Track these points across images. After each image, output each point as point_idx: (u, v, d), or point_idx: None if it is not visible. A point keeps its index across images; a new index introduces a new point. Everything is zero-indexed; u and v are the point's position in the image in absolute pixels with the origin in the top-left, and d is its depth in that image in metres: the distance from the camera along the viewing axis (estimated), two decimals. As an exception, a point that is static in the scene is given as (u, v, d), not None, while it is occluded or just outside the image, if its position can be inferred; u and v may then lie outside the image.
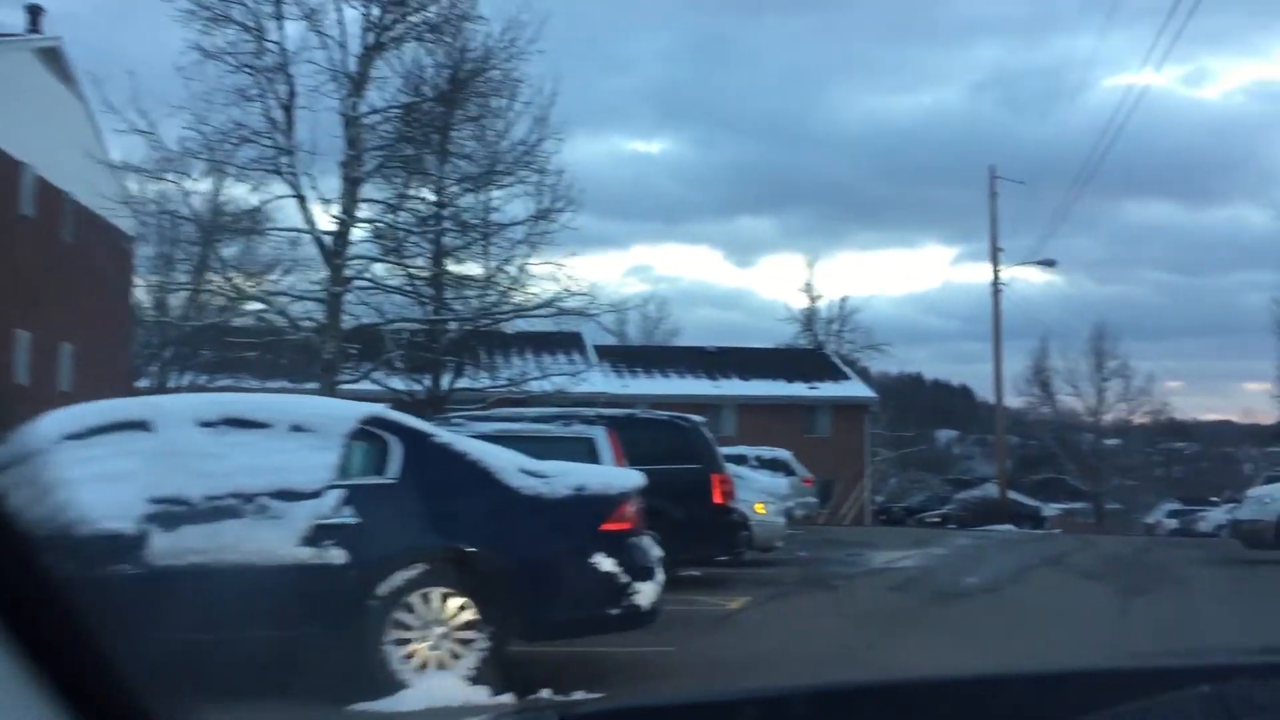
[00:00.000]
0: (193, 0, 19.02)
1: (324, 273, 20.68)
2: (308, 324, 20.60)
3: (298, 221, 20.52)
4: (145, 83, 26.22)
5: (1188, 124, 79.69)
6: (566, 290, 22.41)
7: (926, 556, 17.36)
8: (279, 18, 19.92)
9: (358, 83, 20.57)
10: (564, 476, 6.22)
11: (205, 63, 19.13)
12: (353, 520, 5.88)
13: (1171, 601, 11.27)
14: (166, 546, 5.64)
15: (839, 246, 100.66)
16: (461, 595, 5.93)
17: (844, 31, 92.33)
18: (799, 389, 42.88)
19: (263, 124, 19.76)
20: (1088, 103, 77.69)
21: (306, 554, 5.80)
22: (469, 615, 5.95)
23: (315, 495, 5.90)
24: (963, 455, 70.86)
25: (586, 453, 8.68)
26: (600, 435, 8.84)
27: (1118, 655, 6.68)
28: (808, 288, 59.01)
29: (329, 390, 20.15)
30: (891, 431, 56.58)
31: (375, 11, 20.62)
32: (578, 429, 8.93)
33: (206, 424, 6.05)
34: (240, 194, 21.61)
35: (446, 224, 22.50)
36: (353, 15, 20.45)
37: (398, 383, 22.50)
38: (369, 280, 21.36)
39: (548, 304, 22.21)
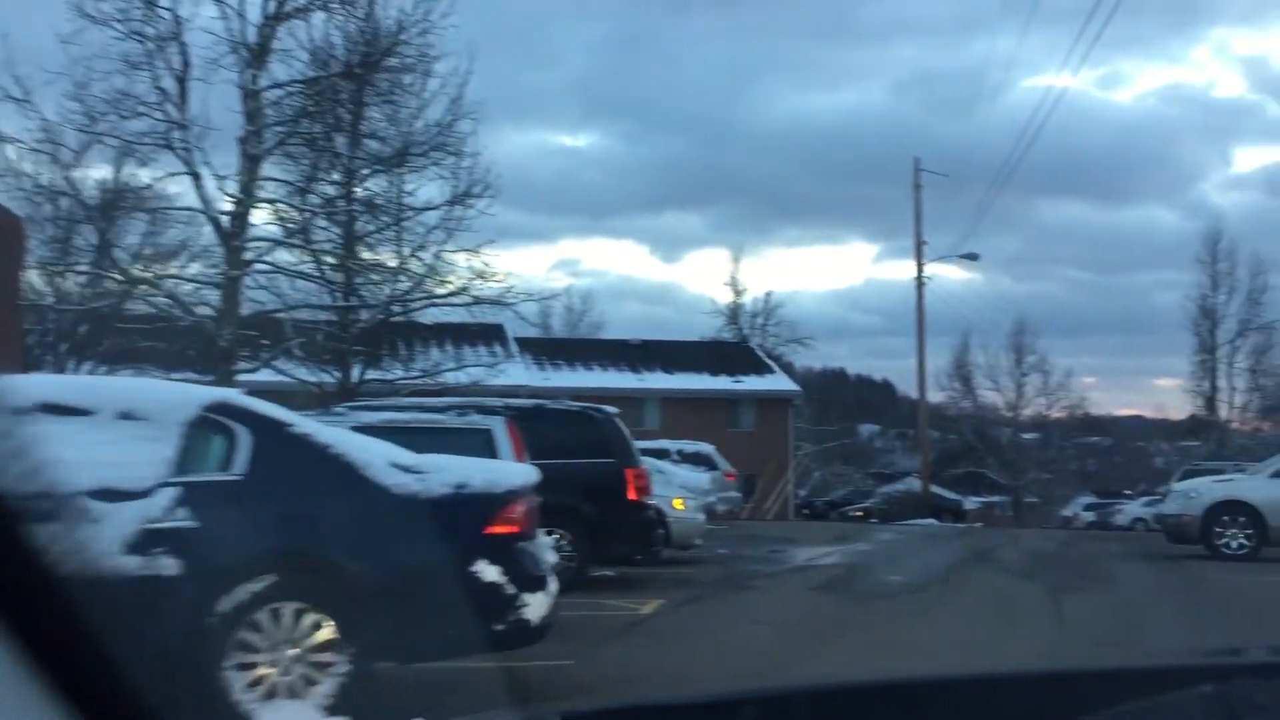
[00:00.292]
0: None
1: (221, 256, 19.49)
2: (203, 310, 19.39)
3: (193, 201, 19.33)
4: (20, 48, 24.54)
5: (1103, 126, 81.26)
6: (481, 278, 21.66)
7: (850, 553, 16.86)
8: (171, -19, 18.64)
9: (258, 54, 19.38)
10: (442, 472, 5.38)
11: (90, 28, 17.83)
12: (189, 524, 4.98)
13: (1107, 601, 10.82)
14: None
15: (765, 242, 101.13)
16: (318, 611, 5.07)
17: (769, 29, 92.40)
18: (723, 383, 42.53)
19: (153, 95, 18.53)
20: (1007, 103, 78.90)
21: (132, 564, 4.87)
22: (327, 634, 5.09)
23: (143, 495, 4.98)
24: (884, 449, 71.36)
25: (483, 445, 7.85)
26: (499, 426, 8.02)
27: (1060, 663, 6.08)
28: (733, 282, 58.55)
29: (226, 380, 18.98)
30: (815, 426, 56.61)
31: (276, -23, 19.45)
32: (474, 420, 8.08)
33: (16, 410, 5.09)
34: (133, 172, 20.32)
35: (355, 207, 21.45)
36: (252, -19, 19.27)
37: (306, 374, 21.47)
38: (270, 265, 20.20)
39: (462, 291, 21.34)
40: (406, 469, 5.32)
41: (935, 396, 48.01)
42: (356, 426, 8.04)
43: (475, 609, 5.22)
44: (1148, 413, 69.54)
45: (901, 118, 79.61)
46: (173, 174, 19.16)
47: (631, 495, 11.21)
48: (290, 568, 5.09)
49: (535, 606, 5.30)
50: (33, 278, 26.67)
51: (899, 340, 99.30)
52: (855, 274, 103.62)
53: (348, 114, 21.43)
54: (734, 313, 56.93)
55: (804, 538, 20.14)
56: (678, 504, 14.11)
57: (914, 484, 41.00)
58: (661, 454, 21.46)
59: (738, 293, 57.23)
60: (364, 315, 21.73)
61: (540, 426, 11.18)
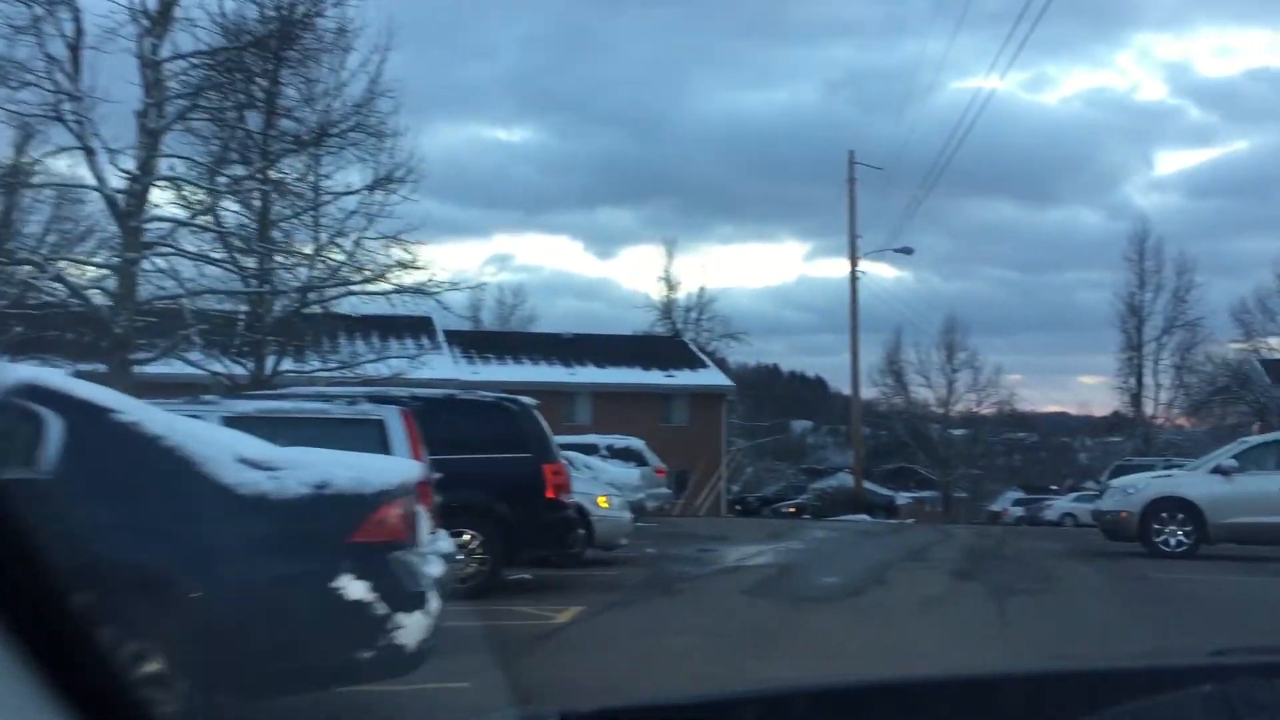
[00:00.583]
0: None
1: (118, 238, 18.17)
2: (95, 294, 18.08)
3: (88, 179, 17.99)
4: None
5: (1030, 128, 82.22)
6: (401, 266, 20.66)
7: (783, 552, 16.21)
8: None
9: (158, 21, 18.09)
10: (301, 469, 4.46)
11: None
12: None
13: (1052, 603, 10.24)
14: None
15: (700, 239, 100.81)
16: (140, 639, 4.14)
17: (703, 26, 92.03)
18: (656, 377, 41.93)
19: (42, 64, 17.17)
20: (938, 104, 79.53)
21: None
22: (155, 666, 4.17)
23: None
24: (817, 445, 71.47)
25: (375, 438, 6.96)
26: (393, 417, 7.12)
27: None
28: (666, 277, 57.91)
29: (121, 369, 17.72)
30: (748, 422, 56.34)
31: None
32: (364, 409, 7.17)
33: None
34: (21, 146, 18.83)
35: (267, 188, 20.26)
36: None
37: (218, 366, 20.26)
38: (172, 247, 18.91)
39: (378, 277, 20.31)
40: (256, 465, 4.41)
41: (868, 393, 47.98)
42: (228, 417, 7.11)
43: (337, 633, 4.35)
44: (1071, 409, 70.71)
45: (834, 117, 80.00)
46: (64, 149, 17.82)
47: (549, 493, 10.37)
48: (104, 587, 4.15)
49: (411, 629, 4.42)
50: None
51: (832, 337, 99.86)
52: (788, 271, 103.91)
53: (260, 90, 20.27)
54: (667, 308, 56.43)
55: (736, 535, 19.47)
56: (602, 502, 13.32)
57: (846, 480, 40.71)
58: (590, 449, 20.67)
59: (671, 287, 56.74)
60: (277, 303, 20.62)
61: (450, 418, 10.31)
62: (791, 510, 40.62)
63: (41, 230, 20.49)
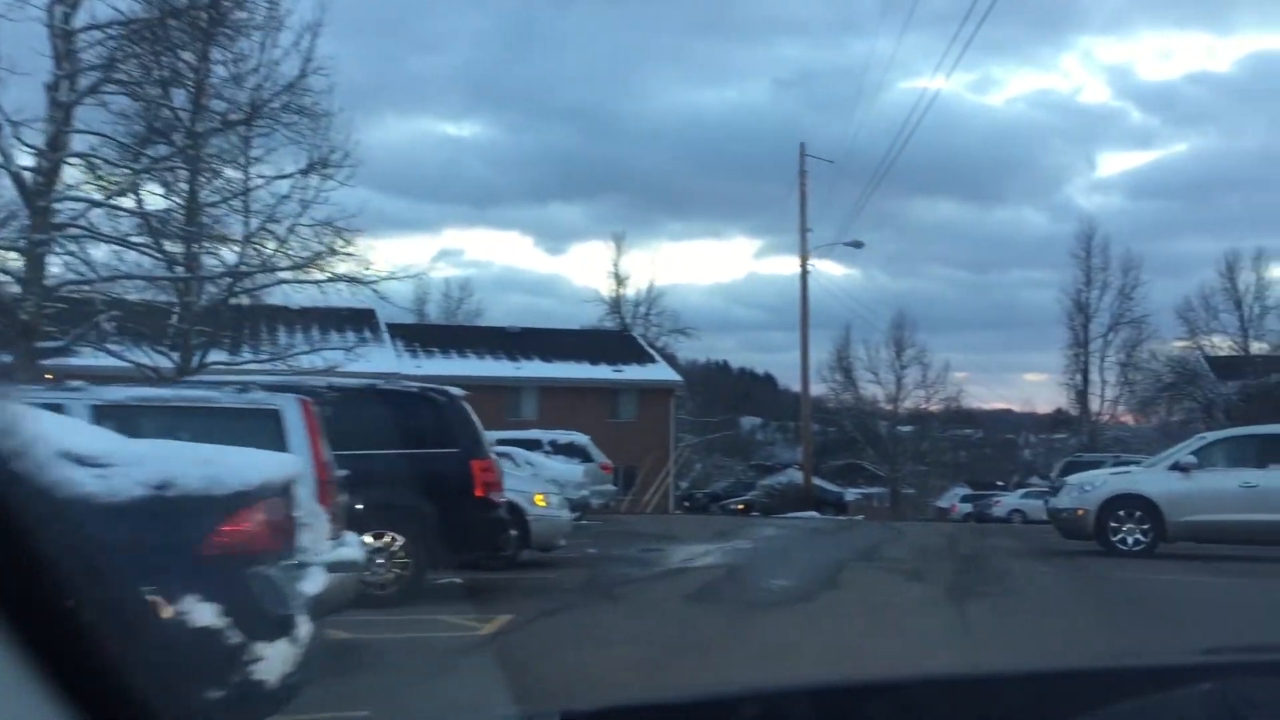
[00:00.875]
0: None
1: (25, 217, 17.02)
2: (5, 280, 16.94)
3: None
4: None
5: (975, 128, 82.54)
6: (334, 253, 19.70)
7: (730, 551, 15.55)
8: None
9: (70, -11, 16.97)
10: (138, 466, 3.65)
11: None
12: None
13: (1013, 606, 9.66)
14: None
15: (649, 235, 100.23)
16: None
17: (653, 22, 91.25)
18: (604, 371, 41.26)
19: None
20: (886, 104, 79.57)
21: None
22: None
23: None
24: (766, 442, 71.17)
25: (269, 430, 6.13)
26: (290, 406, 6.29)
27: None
28: (615, 271, 57.17)
29: (28, 359, 16.61)
30: (697, 418, 55.81)
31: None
32: (256, 398, 6.33)
33: None
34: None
35: (191, 169, 19.18)
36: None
37: (143, 356, 19.17)
38: (86, 229, 17.78)
39: (309, 264, 19.30)
40: (82, 461, 3.58)
41: (817, 389, 47.58)
42: (98, 406, 6.23)
43: (180, 666, 3.54)
44: (1016, 406, 71.13)
45: (783, 115, 79.60)
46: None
47: (478, 491, 9.59)
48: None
49: (272, 660, 3.61)
50: None
51: (781, 334, 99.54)
52: (738, 268, 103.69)
53: (186, 66, 19.18)
54: (617, 303, 55.76)
55: (682, 534, 18.78)
56: (539, 500, 12.53)
57: (795, 476, 40.27)
58: (533, 445, 19.90)
59: (620, 283, 56.09)
60: (205, 291, 19.57)
61: (372, 410, 9.51)
62: (740, 507, 40.07)
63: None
